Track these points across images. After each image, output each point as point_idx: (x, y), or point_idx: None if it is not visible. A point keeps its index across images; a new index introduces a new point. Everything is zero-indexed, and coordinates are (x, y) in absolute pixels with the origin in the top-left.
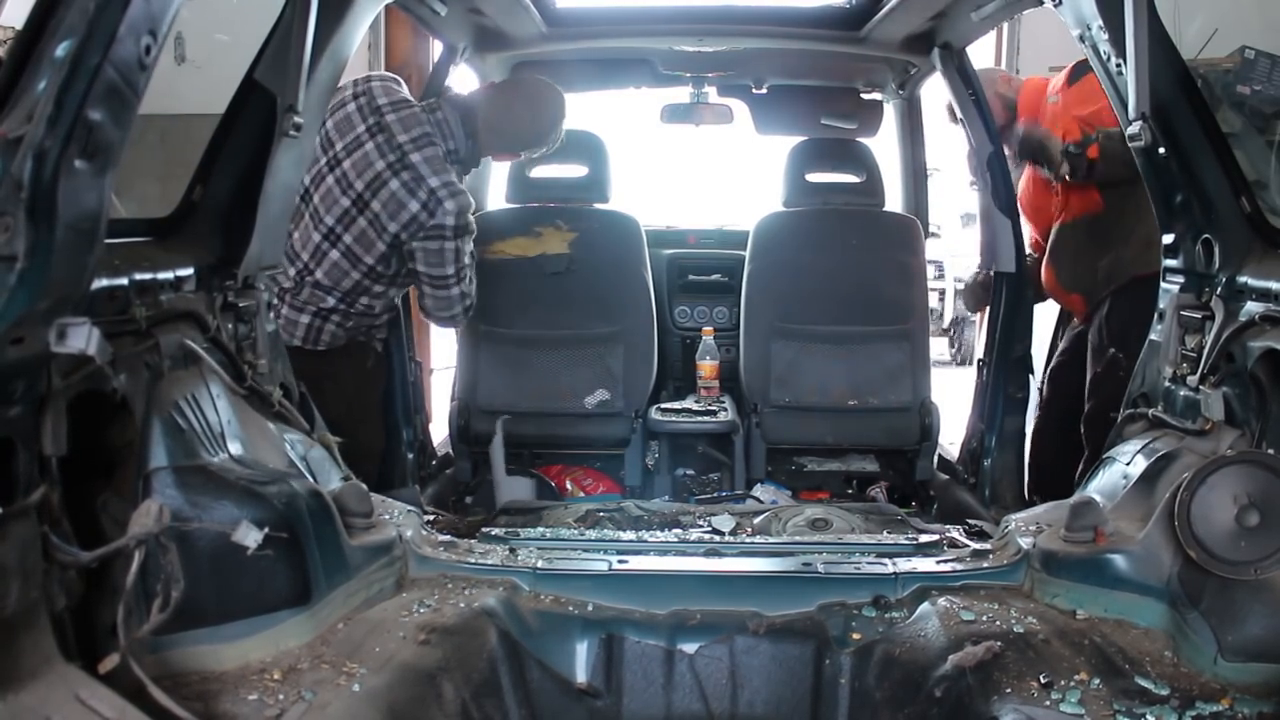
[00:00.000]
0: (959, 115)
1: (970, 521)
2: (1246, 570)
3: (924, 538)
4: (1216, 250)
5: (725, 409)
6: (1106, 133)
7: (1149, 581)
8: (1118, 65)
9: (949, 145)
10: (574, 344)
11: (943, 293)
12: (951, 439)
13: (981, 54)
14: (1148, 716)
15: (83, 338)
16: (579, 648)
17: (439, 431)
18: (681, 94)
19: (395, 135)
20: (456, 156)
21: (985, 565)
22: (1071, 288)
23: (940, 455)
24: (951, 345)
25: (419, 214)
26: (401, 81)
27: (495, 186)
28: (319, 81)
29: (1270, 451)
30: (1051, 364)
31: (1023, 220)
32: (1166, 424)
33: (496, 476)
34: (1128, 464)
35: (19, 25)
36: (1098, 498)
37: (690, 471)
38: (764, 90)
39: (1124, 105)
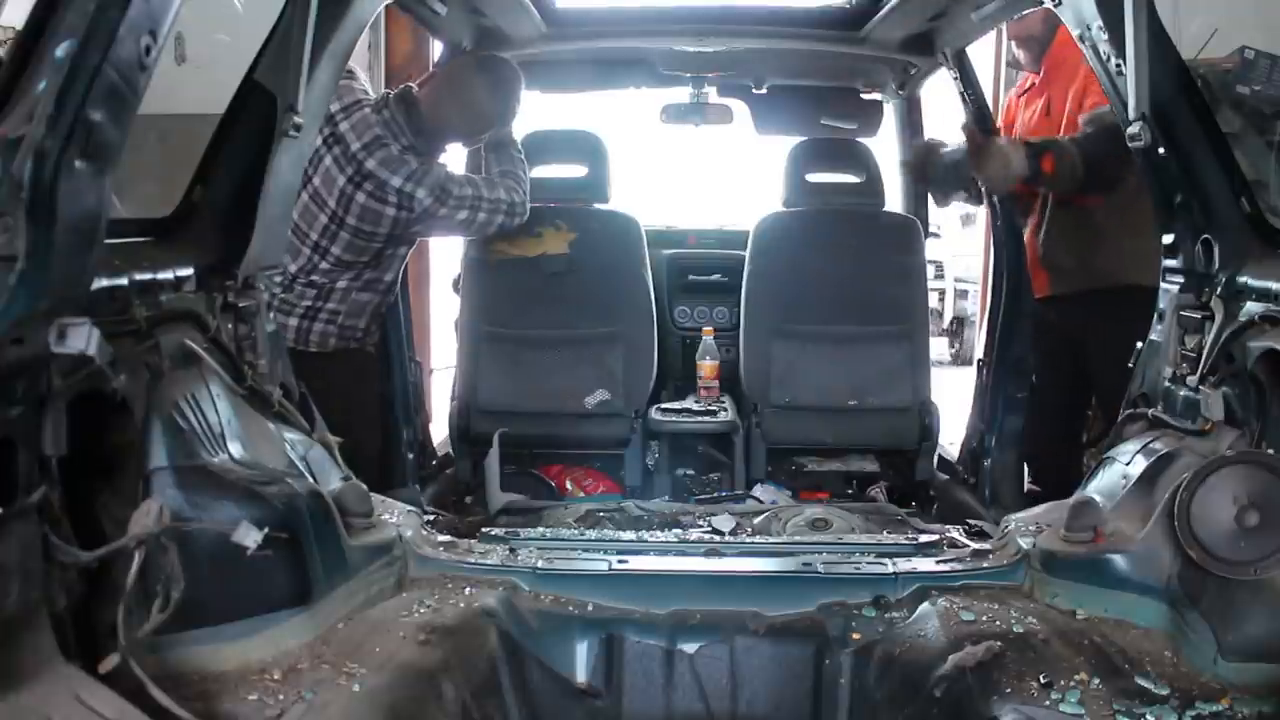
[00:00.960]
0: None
1: (970, 521)
2: (1246, 570)
3: (924, 538)
4: (1216, 250)
5: (725, 409)
6: (1060, 148)
7: (1149, 581)
8: (1118, 65)
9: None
10: (574, 344)
11: (943, 293)
12: (951, 439)
13: (982, 54)
14: (1148, 716)
15: (83, 338)
16: (579, 648)
17: (439, 431)
18: (681, 94)
19: (349, 144)
20: (413, 150)
21: (985, 565)
22: (1045, 264)
23: (940, 455)
24: (951, 345)
25: (399, 215)
26: (354, 70)
27: None
28: (319, 81)
29: (1270, 451)
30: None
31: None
32: (1166, 424)
33: (490, 492)
34: (1128, 464)
35: (19, 25)
36: (1098, 498)
37: (690, 471)
38: (764, 90)
39: (1124, 105)
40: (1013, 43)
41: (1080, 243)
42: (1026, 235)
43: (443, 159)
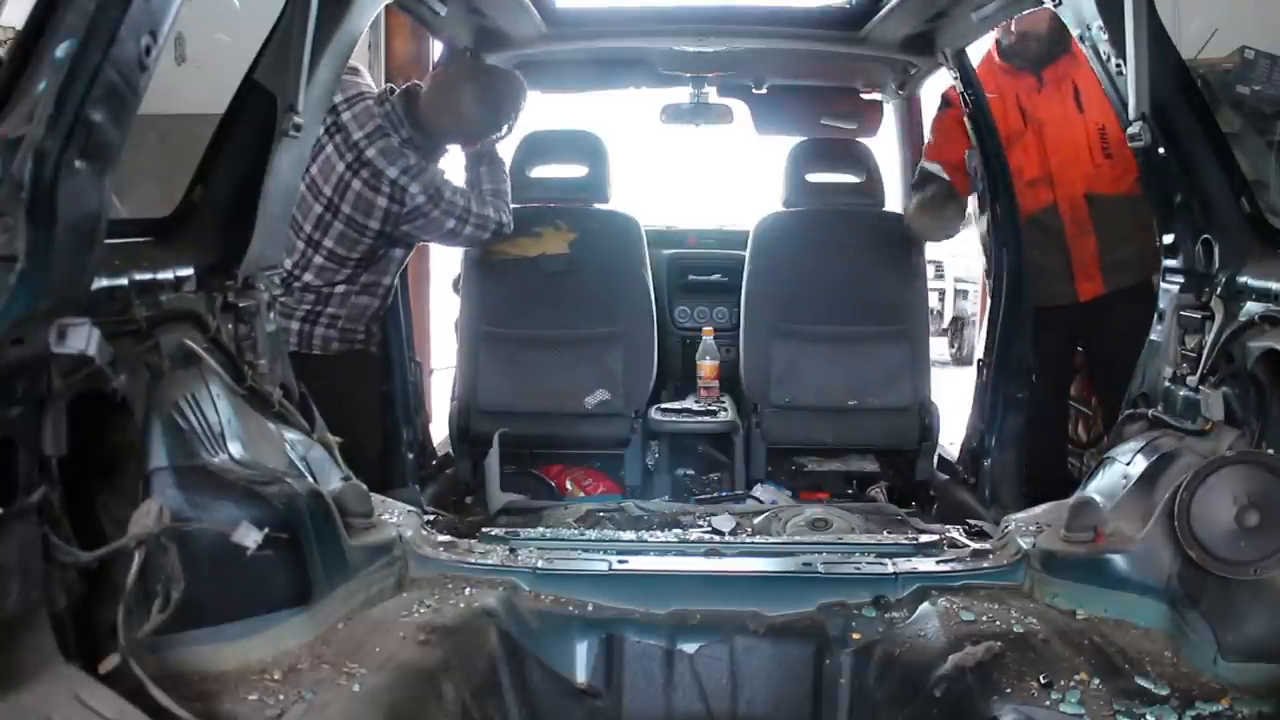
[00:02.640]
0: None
1: (970, 521)
2: (1246, 570)
3: (924, 538)
4: (1216, 250)
5: (725, 409)
6: None
7: (1149, 581)
8: (1118, 65)
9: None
10: (574, 344)
11: (943, 293)
12: (951, 439)
13: (982, 54)
14: (1148, 716)
15: (83, 338)
16: (579, 648)
17: (439, 431)
18: (681, 94)
19: (351, 133)
20: (413, 144)
21: (985, 565)
22: (1106, 263)
23: (940, 455)
24: (951, 345)
25: (390, 207)
26: (359, 68)
27: None
28: (319, 81)
29: (1270, 451)
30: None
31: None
32: (1166, 424)
33: (490, 492)
34: (1128, 464)
35: (19, 25)
36: (1098, 498)
37: (690, 471)
38: (764, 90)
39: (1124, 105)
40: (1013, 34)
41: (1139, 238)
42: (1081, 244)
43: (443, 166)
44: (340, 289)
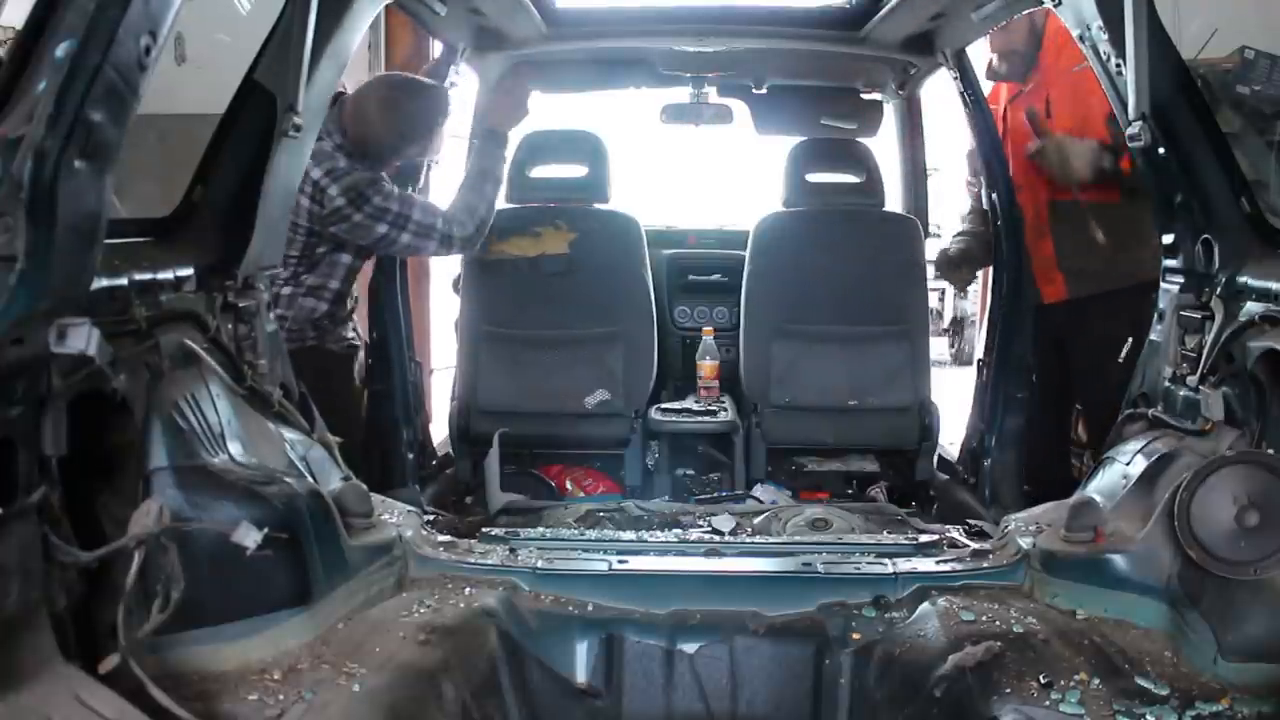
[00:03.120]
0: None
1: (970, 521)
2: (1246, 570)
3: (924, 538)
4: (1216, 250)
5: (725, 409)
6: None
7: (1149, 581)
8: (1118, 65)
9: (949, 145)
10: (574, 344)
11: (943, 293)
12: (951, 439)
13: (982, 53)
14: (1148, 716)
15: (83, 338)
16: (579, 648)
17: (439, 431)
18: (681, 94)
19: None
20: (345, 149)
21: (985, 565)
22: (1064, 268)
23: (940, 455)
24: (951, 345)
25: (311, 207)
26: None
27: None
28: (319, 81)
29: (1270, 451)
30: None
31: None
32: (1166, 424)
33: (490, 492)
34: (1128, 464)
35: (19, 25)
36: (1098, 498)
37: (690, 471)
38: (764, 90)
39: (1124, 105)
40: (994, 56)
41: (1108, 242)
42: (1038, 247)
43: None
44: (286, 290)
